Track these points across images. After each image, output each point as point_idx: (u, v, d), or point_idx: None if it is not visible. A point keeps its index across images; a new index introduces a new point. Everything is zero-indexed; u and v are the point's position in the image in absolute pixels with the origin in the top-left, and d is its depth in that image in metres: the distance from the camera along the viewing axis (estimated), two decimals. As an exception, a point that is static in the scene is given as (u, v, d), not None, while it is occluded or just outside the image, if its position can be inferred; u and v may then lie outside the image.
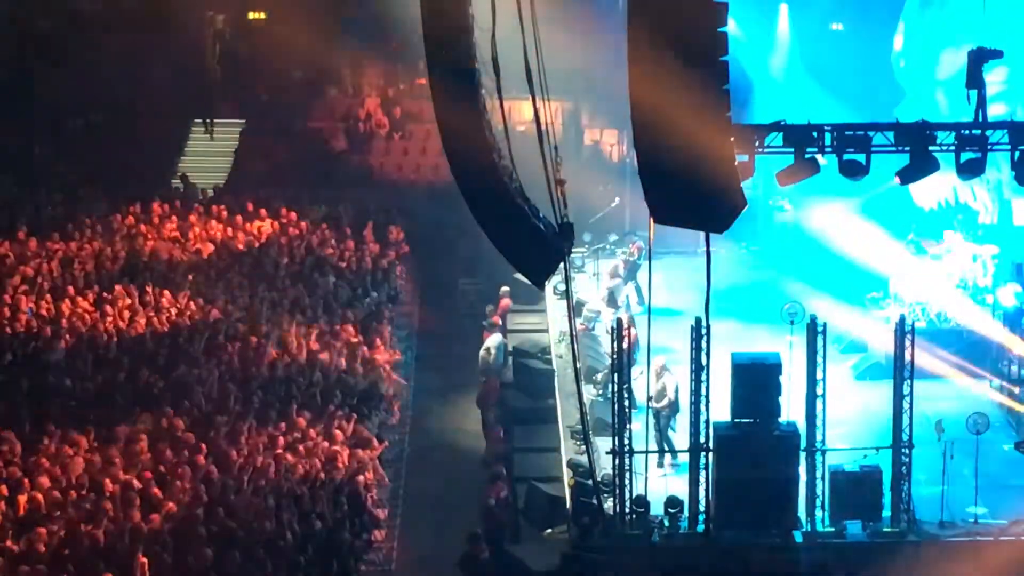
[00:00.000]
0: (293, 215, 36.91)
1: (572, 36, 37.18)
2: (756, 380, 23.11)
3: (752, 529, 23.18)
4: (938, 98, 32.69)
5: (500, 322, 32.00)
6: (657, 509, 23.56)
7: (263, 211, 36.95)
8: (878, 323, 29.80)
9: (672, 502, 23.50)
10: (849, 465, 23.50)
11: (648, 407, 25.05)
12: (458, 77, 20.11)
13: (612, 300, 32.01)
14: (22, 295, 30.69)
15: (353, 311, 31.09)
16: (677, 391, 25.43)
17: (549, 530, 24.65)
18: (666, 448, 25.54)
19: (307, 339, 28.80)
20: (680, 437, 25.09)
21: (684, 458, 24.37)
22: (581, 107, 40.41)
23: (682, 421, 24.87)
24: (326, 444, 24.93)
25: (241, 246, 34.68)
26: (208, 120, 42.23)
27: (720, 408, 23.38)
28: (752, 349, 24.51)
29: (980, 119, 22.60)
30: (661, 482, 24.46)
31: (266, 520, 22.00)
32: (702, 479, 23.28)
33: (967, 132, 22.40)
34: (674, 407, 25.61)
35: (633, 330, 25.61)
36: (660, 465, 25.31)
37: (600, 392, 27.96)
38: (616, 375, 23.74)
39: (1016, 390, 28.02)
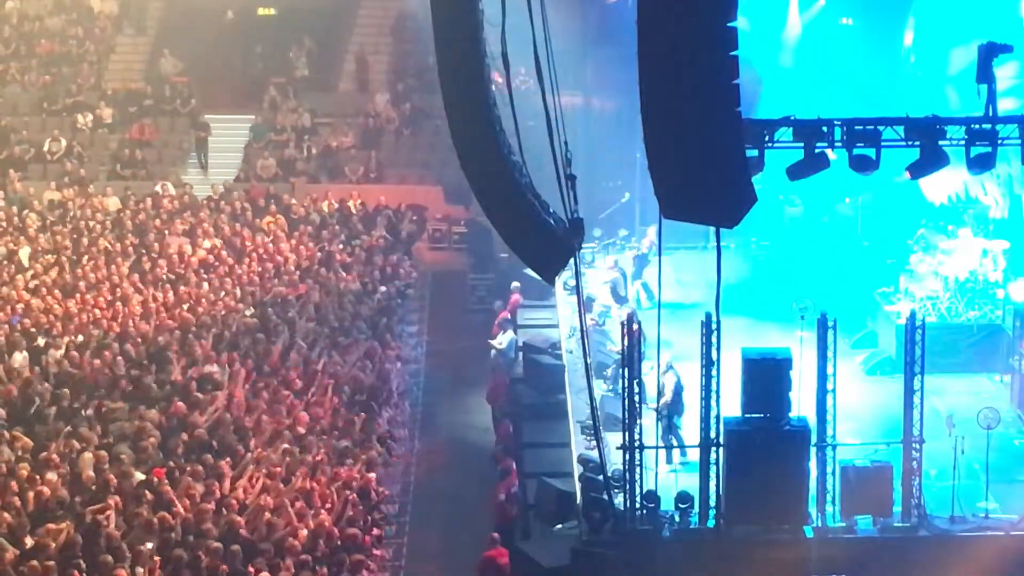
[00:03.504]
0: (302, 210, 37.00)
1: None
2: (766, 375, 23.09)
3: (762, 524, 23.18)
4: (948, 93, 32.63)
5: (511, 317, 32.00)
6: (667, 504, 23.57)
7: (273, 207, 37.10)
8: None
9: (682, 497, 23.52)
10: (860, 460, 23.51)
11: (649, 407, 24.99)
12: (468, 72, 20.08)
13: (615, 294, 32.00)
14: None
15: (363, 307, 31.10)
16: (677, 391, 25.36)
17: (559, 526, 24.64)
18: (675, 444, 25.50)
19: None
20: (689, 433, 25.03)
21: (693, 455, 24.38)
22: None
23: (690, 418, 24.75)
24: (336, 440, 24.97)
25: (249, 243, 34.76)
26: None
27: (731, 403, 23.37)
28: (762, 344, 24.50)
29: (990, 114, 22.55)
30: (671, 477, 24.45)
31: (274, 517, 21.98)
32: (712, 474, 23.29)
33: (977, 127, 22.34)
34: (676, 407, 25.50)
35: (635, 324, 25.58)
36: (669, 461, 25.29)
37: (610, 387, 27.96)
38: (626, 370, 23.73)
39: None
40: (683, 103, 18.60)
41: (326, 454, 24.28)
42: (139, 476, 22.56)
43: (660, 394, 25.45)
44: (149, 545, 20.55)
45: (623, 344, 23.83)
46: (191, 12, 44.57)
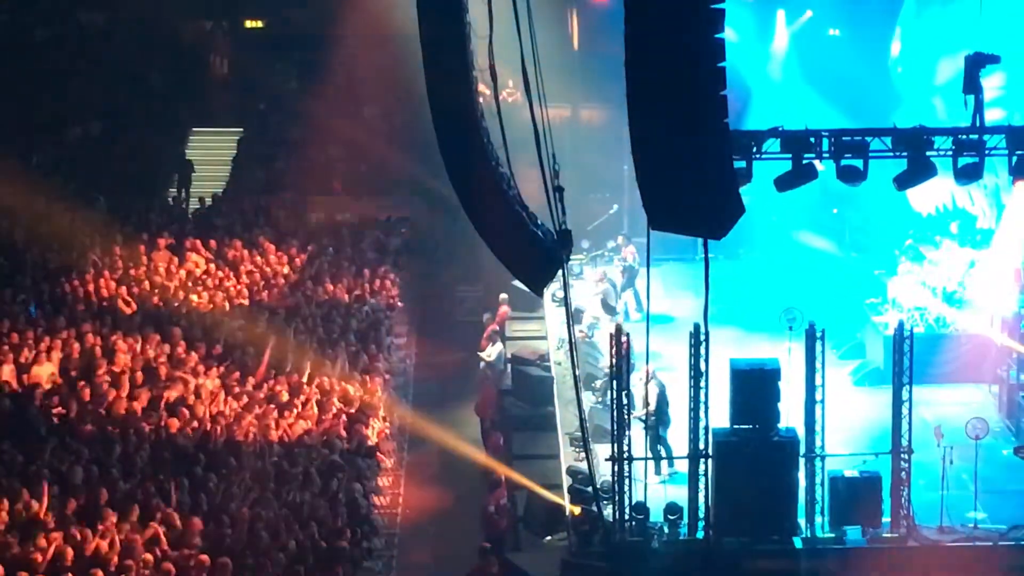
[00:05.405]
0: (291, 224, 36.88)
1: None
2: (755, 386, 23.11)
3: (752, 535, 23.18)
4: (935, 103, 32.70)
5: (499, 329, 31.98)
6: (657, 516, 23.56)
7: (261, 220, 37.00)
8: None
9: (672, 509, 23.51)
10: (849, 471, 23.51)
11: (634, 415, 24.98)
12: (455, 84, 20.09)
13: (606, 305, 31.97)
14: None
15: (351, 320, 31.04)
16: (661, 401, 25.31)
17: (549, 537, 24.62)
18: (662, 455, 25.48)
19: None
20: (677, 444, 25.00)
21: (681, 466, 24.37)
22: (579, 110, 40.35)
23: (679, 430, 24.69)
24: (326, 452, 24.95)
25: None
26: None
27: (719, 415, 23.37)
28: (751, 355, 24.52)
29: (977, 124, 22.60)
30: (660, 489, 24.45)
31: (265, 528, 21.95)
32: (701, 486, 23.29)
33: (964, 137, 22.41)
34: (660, 417, 25.44)
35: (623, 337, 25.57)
36: (657, 473, 25.26)
37: (599, 399, 27.95)
38: (614, 382, 23.73)
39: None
40: (671, 114, 18.62)
41: (315, 467, 24.26)
42: (126, 488, 22.53)
43: (646, 403, 25.45)
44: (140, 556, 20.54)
45: (611, 356, 23.83)
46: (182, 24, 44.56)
